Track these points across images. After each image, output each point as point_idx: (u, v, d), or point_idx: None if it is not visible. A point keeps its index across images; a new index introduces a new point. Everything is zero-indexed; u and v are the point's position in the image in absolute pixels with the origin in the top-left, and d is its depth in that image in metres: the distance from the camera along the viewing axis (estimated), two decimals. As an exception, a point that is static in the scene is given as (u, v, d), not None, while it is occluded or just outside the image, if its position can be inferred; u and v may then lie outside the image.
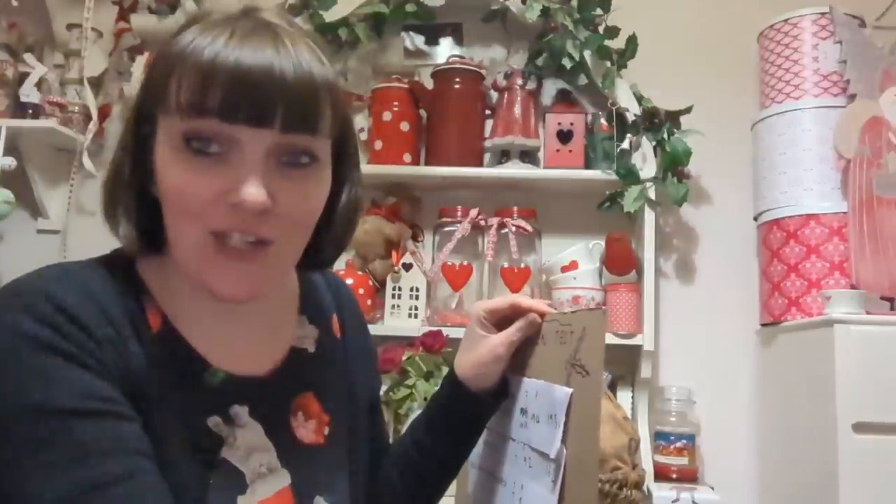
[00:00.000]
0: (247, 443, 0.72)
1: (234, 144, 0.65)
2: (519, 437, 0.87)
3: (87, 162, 2.11)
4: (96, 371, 0.63)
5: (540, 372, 0.87)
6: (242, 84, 0.63)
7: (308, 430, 0.78)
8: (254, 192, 0.64)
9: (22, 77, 2.12)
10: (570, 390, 0.80)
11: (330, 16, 2.05)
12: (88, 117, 2.14)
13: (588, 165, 2.03)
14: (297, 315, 0.84)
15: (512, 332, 0.88)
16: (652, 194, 1.95)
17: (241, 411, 0.73)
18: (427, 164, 2.07)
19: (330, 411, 0.81)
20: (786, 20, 1.92)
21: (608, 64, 2.00)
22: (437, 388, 0.94)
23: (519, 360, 0.90)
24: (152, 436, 0.65)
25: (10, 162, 1.97)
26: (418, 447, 0.90)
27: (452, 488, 0.97)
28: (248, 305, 0.72)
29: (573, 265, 1.97)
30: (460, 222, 2.00)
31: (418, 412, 1.81)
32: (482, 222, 2.01)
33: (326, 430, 0.80)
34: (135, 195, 0.71)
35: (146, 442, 0.64)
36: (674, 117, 1.98)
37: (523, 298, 0.91)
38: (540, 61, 2.06)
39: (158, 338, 0.70)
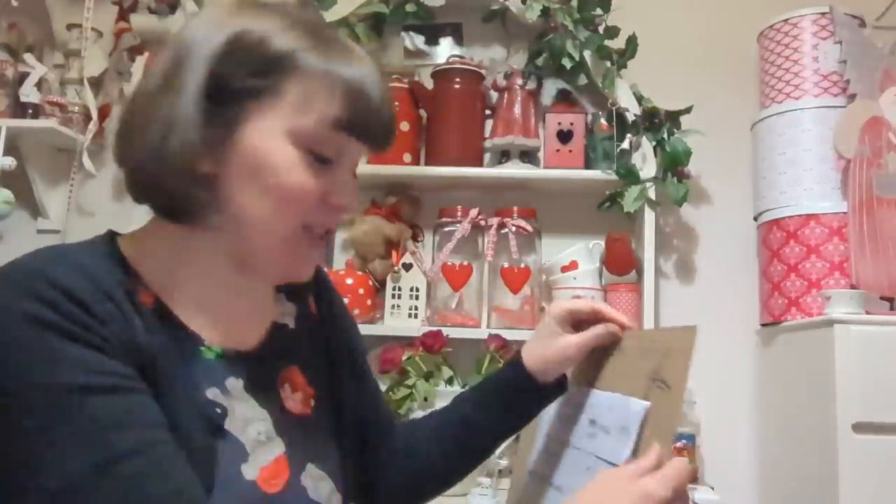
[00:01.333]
0: (244, 414, 0.74)
1: (344, 154, 0.73)
2: (584, 446, 0.87)
3: (87, 162, 2.11)
4: (100, 348, 0.63)
5: (613, 383, 0.87)
6: (377, 109, 0.72)
7: (296, 401, 0.81)
8: (353, 197, 0.75)
9: (22, 77, 2.13)
10: (647, 403, 0.80)
11: (330, 16, 2.05)
12: (88, 117, 2.14)
13: (588, 165, 2.03)
14: (275, 292, 0.86)
15: (588, 337, 0.90)
16: (652, 194, 1.95)
17: (235, 384, 0.75)
18: (427, 164, 2.07)
19: (314, 384, 0.84)
20: (786, 20, 1.92)
21: (608, 64, 2.00)
22: (497, 369, 0.97)
23: (588, 368, 0.91)
24: (162, 407, 0.66)
25: (10, 162, 1.97)
26: (466, 424, 0.93)
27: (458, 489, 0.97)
28: (239, 284, 0.77)
29: (573, 265, 1.97)
30: (460, 222, 2.00)
31: (419, 412, 1.82)
32: (482, 222, 2.01)
33: (312, 402, 0.83)
34: (180, 167, 0.69)
35: (159, 413, 0.65)
36: (674, 117, 1.98)
37: (606, 308, 0.93)
38: (540, 61, 2.06)
39: (153, 314, 0.70)
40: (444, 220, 2.04)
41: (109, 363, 0.63)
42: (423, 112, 2.10)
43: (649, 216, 1.95)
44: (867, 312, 1.63)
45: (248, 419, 0.74)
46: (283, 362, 0.82)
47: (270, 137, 0.69)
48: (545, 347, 0.91)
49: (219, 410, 0.72)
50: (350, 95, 0.70)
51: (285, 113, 0.69)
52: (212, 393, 0.72)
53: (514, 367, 0.92)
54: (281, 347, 0.82)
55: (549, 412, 0.96)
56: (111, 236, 0.74)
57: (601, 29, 2.02)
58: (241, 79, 0.69)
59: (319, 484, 0.78)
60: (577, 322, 0.92)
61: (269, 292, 0.85)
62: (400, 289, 2.01)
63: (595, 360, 0.91)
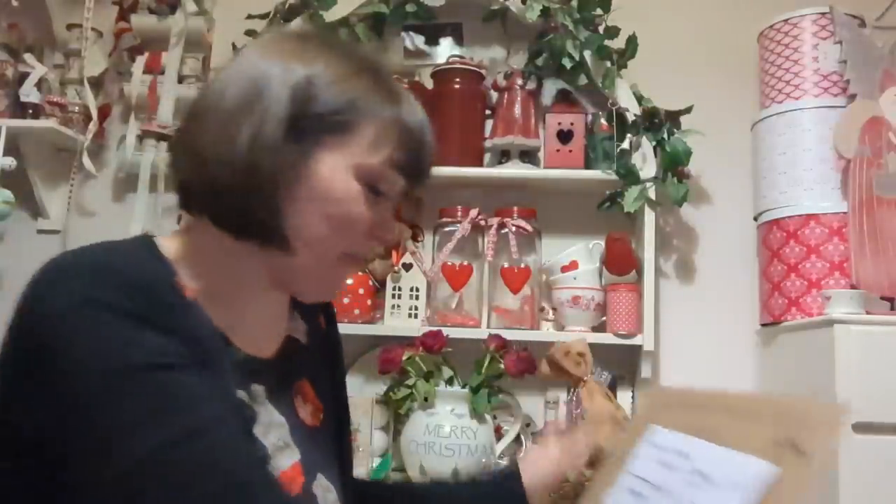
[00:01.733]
0: (266, 419, 0.77)
1: (394, 190, 0.79)
2: (682, 494, 0.85)
3: (87, 162, 2.11)
4: (166, 331, 0.65)
5: (726, 439, 0.85)
6: (429, 154, 0.81)
7: (307, 413, 0.85)
8: (394, 233, 0.81)
9: (22, 77, 2.13)
10: (774, 467, 0.77)
11: (330, 16, 2.05)
12: (88, 117, 2.14)
13: (588, 165, 2.03)
14: (290, 309, 0.89)
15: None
16: (652, 194, 1.95)
17: (258, 389, 0.78)
18: (427, 164, 2.07)
19: (322, 399, 0.88)
20: (786, 20, 1.92)
21: (608, 64, 2.00)
22: (483, 475, 1.05)
23: (687, 417, 0.90)
24: None
25: (10, 162, 1.97)
26: None
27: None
28: (268, 295, 0.81)
29: (573, 265, 1.97)
30: (460, 222, 2.00)
31: (419, 412, 1.82)
32: (482, 222, 2.01)
33: (321, 416, 0.87)
34: (253, 186, 0.72)
35: (227, 390, 0.69)
36: (674, 117, 1.98)
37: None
38: (540, 61, 2.06)
39: (194, 310, 0.73)
40: (444, 220, 2.04)
41: (176, 345, 0.65)
42: (423, 112, 2.09)
43: (649, 216, 1.94)
44: (867, 312, 1.63)
45: (269, 425, 0.77)
46: (297, 375, 0.85)
47: (338, 170, 0.74)
48: (550, 482, 0.97)
49: (248, 413, 0.75)
50: (412, 141, 0.78)
51: (354, 150, 0.74)
52: (241, 395, 0.75)
53: (509, 481, 0.97)
54: (294, 360, 0.85)
55: (635, 452, 0.94)
56: (149, 237, 0.77)
57: (601, 29, 2.02)
58: (322, 115, 0.73)
59: (327, 495, 0.81)
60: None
61: (284, 307, 0.87)
62: (400, 289, 2.01)
63: (696, 411, 0.90)
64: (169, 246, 0.76)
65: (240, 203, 0.72)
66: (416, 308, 2.00)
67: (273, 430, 0.77)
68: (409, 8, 2.06)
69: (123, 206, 2.23)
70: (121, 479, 0.60)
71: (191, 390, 0.64)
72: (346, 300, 1.95)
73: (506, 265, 1.99)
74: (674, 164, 1.95)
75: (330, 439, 0.88)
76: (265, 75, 0.73)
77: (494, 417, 1.91)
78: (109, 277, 0.65)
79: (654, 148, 1.97)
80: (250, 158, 0.71)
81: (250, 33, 2.10)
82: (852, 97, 1.81)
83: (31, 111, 2.10)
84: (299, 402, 0.84)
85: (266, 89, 0.72)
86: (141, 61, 2.19)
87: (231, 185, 0.71)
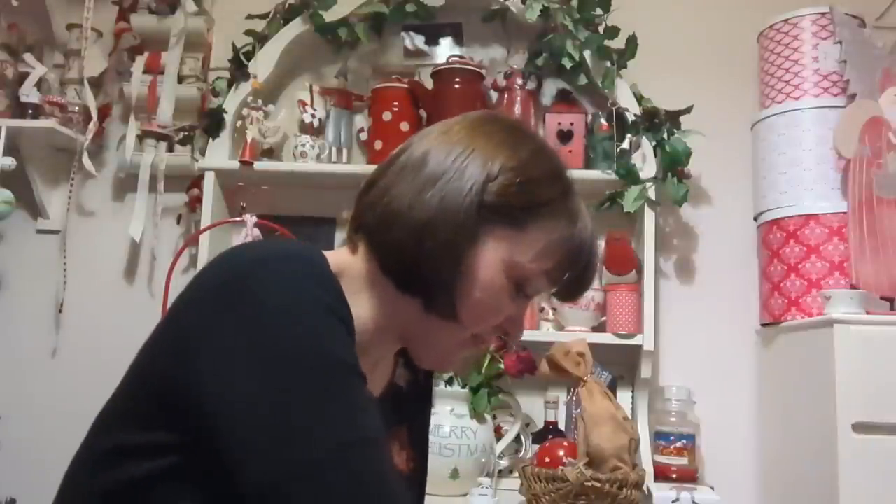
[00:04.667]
0: None
1: (537, 294, 0.80)
2: None
3: (87, 162, 2.11)
4: (352, 338, 0.68)
5: None
6: (589, 278, 0.82)
7: (402, 459, 0.88)
8: (522, 332, 0.82)
9: (22, 77, 2.12)
10: None
11: (330, 16, 2.05)
12: (88, 117, 2.14)
13: (588, 165, 2.03)
14: (397, 356, 0.91)
15: None
16: (652, 194, 1.95)
17: None
18: (427, 164, 2.07)
19: (414, 447, 0.93)
20: (786, 20, 1.92)
21: (608, 64, 2.00)
22: None
23: None
24: None
25: (10, 162, 1.97)
26: None
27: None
28: (389, 342, 0.82)
29: (573, 265, 1.97)
30: (460, 222, 1.99)
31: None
32: (482, 222, 2.01)
33: (411, 464, 0.92)
34: (430, 252, 0.75)
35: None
36: (674, 117, 1.98)
37: None
38: (540, 61, 2.06)
39: None
40: (444, 220, 2.04)
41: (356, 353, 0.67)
42: (423, 112, 2.09)
43: (649, 216, 1.94)
44: (867, 312, 1.63)
45: None
46: (396, 419, 0.88)
47: (494, 260, 0.76)
48: None
49: None
50: (577, 262, 0.79)
51: (516, 248, 0.76)
52: None
53: None
54: (395, 405, 0.88)
55: None
56: (314, 246, 0.78)
57: (601, 29, 2.02)
58: (505, 206, 0.75)
59: None
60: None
61: (391, 354, 0.89)
62: (400, 289, 2.01)
63: None
64: (332, 261, 0.76)
65: (412, 262, 0.75)
66: (416, 308, 1.99)
67: None
68: (409, 8, 2.06)
69: (123, 206, 2.23)
70: (295, 468, 0.60)
71: (364, 399, 0.65)
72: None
73: (506, 265, 1.99)
74: (674, 164, 1.95)
75: (416, 486, 0.92)
76: (472, 153, 0.76)
77: (494, 417, 1.92)
78: (318, 274, 0.67)
79: (654, 148, 1.97)
80: (432, 218, 0.74)
81: (250, 33, 2.10)
82: (852, 97, 1.81)
83: (30, 111, 2.10)
84: (395, 448, 0.87)
85: (469, 165, 0.75)
86: (141, 61, 2.19)
87: (407, 239, 0.74)
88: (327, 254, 0.76)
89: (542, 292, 0.81)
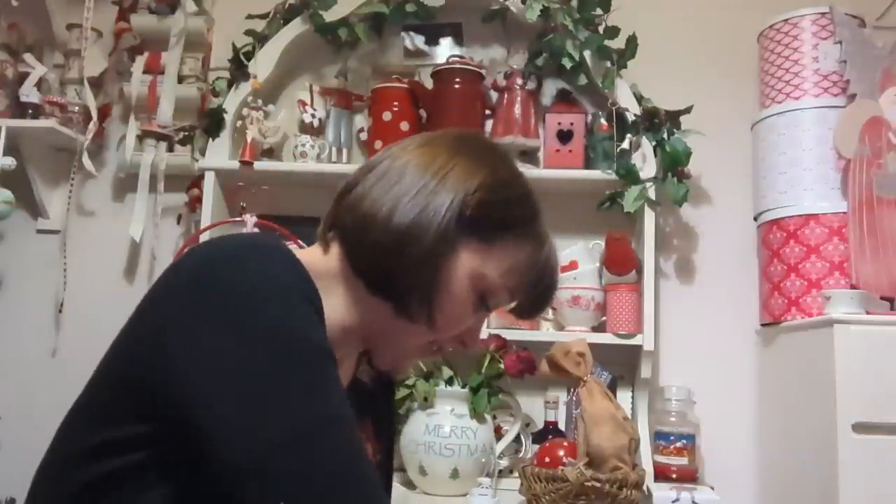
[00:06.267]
0: None
1: (497, 307, 0.84)
2: None
3: (87, 162, 2.11)
4: (323, 324, 0.69)
5: None
6: (550, 296, 0.88)
7: (368, 451, 0.88)
8: (479, 343, 0.86)
9: (22, 77, 2.13)
10: None
11: (330, 16, 2.05)
12: (88, 117, 2.14)
13: (588, 165, 2.03)
14: (360, 354, 0.93)
15: None
16: (652, 194, 1.95)
17: None
18: (427, 164, 2.06)
19: (379, 440, 0.95)
20: (786, 20, 1.92)
21: (608, 64, 2.00)
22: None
23: None
24: None
25: (10, 162, 1.98)
26: None
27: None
28: (353, 341, 0.84)
29: (573, 265, 1.97)
30: (460, 222, 1.99)
31: (419, 412, 1.82)
32: (482, 222, 2.01)
33: (378, 456, 0.94)
34: (406, 257, 0.77)
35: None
36: (674, 117, 1.98)
37: None
38: (540, 61, 2.06)
39: None
40: (444, 220, 2.04)
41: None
42: (422, 112, 2.09)
43: (649, 216, 1.94)
44: (867, 312, 1.63)
45: None
46: (362, 412, 0.88)
47: (465, 270, 0.78)
48: None
49: None
50: (538, 282, 0.83)
51: (484, 262, 0.79)
52: None
53: None
54: (359, 400, 0.87)
55: None
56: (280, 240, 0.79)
57: (601, 29, 2.02)
58: (482, 220, 0.78)
59: None
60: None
61: (356, 350, 0.91)
62: (400, 289, 2.01)
63: None
64: (304, 259, 0.76)
65: (388, 265, 0.76)
66: (416, 308, 1.99)
67: None
68: (409, 8, 2.06)
69: (123, 206, 2.23)
70: (274, 444, 0.60)
71: (338, 383, 0.67)
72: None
73: (506, 265, 1.99)
74: (674, 164, 1.95)
75: (384, 477, 0.95)
76: (454, 166, 0.78)
77: (494, 417, 1.91)
78: (288, 265, 0.69)
79: (654, 148, 1.97)
80: (414, 224, 0.75)
81: (250, 33, 2.10)
82: (852, 97, 1.81)
83: (30, 111, 2.10)
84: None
85: (452, 178, 0.77)
86: (141, 61, 2.19)
87: (387, 243, 0.76)
88: (298, 252, 0.77)
89: (502, 307, 0.84)
